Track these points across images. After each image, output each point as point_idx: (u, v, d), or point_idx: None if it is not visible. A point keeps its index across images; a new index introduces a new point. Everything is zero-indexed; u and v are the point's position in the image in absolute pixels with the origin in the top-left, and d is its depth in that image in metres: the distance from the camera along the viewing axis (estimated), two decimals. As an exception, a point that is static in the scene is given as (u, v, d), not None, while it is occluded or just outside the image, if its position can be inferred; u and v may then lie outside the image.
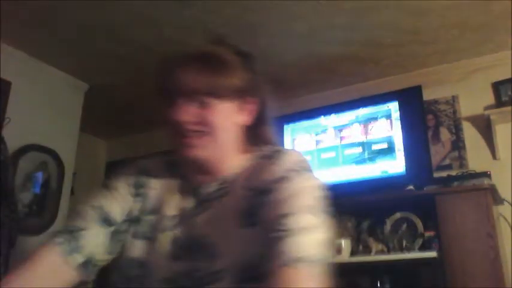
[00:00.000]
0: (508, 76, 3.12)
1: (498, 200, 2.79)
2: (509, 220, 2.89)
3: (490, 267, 2.41)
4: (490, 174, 2.80)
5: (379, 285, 2.87)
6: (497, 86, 3.17)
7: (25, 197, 3.16)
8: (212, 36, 1.12)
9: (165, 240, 1.02)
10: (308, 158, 3.34)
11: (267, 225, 0.90)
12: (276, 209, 0.91)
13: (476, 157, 3.13)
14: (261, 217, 0.94)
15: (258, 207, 0.97)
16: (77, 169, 3.68)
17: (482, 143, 3.15)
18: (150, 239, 1.04)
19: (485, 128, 3.13)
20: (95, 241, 1.01)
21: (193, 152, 0.99)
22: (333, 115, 3.37)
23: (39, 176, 3.26)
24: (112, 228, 1.04)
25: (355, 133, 3.24)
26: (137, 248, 1.04)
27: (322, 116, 3.41)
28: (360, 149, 3.19)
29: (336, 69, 3.47)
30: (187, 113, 0.98)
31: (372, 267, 2.93)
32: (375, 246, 2.86)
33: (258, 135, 1.14)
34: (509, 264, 2.67)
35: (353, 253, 2.91)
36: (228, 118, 1.03)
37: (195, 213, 1.04)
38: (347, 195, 3.00)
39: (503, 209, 2.89)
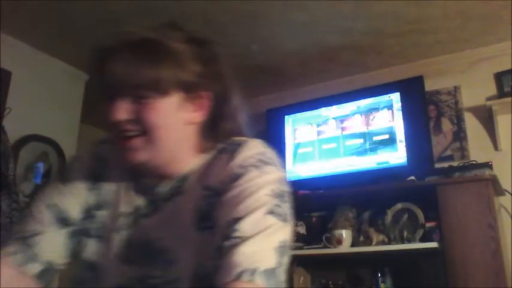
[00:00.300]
0: (510, 67, 3.10)
1: (499, 191, 2.79)
2: (510, 211, 2.89)
3: (491, 258, 2.42)
4: (491, 164, 2.80)
5: (379, 275, 2.88)
6: (499, 77, 3.16)
7: (26, 188, 3.16)
8: (163, 21, 0.96)
9: (118, 241, 0.93)
10: (309, 149, 3.38)
11: (219, 231, 0.81)
12: (229, 212, 0.81)
13: (478, 148, 3.13)
14: (216, 221, 0.85)
15: (213, 208, 0.87)
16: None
17: (483, 133, 3.15)
18: (102, 238, 0.95)
19: (487, 118, 3.12)
20: (52, 245, 0.92)
21: (132, 156, 0.87)
22: (334, 106, 3.37)
23: (40, 166, 3.25)
24: (70, 229, 0.95)
25: (357, 124, 3.24)
26: (89, 248, 0.95)
27: (324, 107, 3.40)
28: (361, 140, 3.18)
29: (337, 59, 3.46)
30: (121, 110, 0.85)
31: (373, 258, 2.94)
32: (376, 237, 2.86)
33: (218, 131, 0.97)
34: (510, 255, 2.67)
35: (354, 244, 2.91)
36: (170, 116, 0.88)
37: (147, 214, 0.94)
38: (348, 186, 3.00)
39: (504, 200, 2.89)
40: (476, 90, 3.23)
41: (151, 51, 0.85)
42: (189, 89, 0.89)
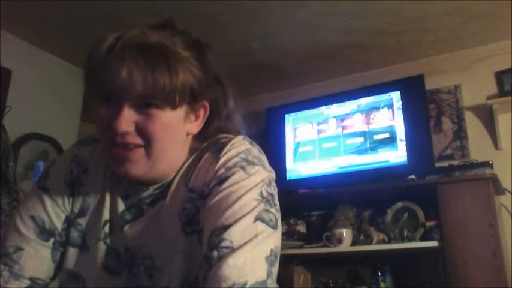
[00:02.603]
0: (511, 66, 3.10)
1: (500, 190, 2.79)
2: (511, 210, 2.89)
3: (491, 257, 2.41)
4: (492, 164, 2.79)
5: (380, 274, 2.88)
6: (499, 76, 3.16)
7: (26, 186, 3.15)
8: (160, 20, 0.89)
9: (99, 251, 0.90)
10: (310, 147, 3.38)
11: (206, 238, 0.77)
12: (216, 219, 0.77)
13: (479, 147, 3.13)
14: (201, 226, 0.82)
15: (198, 212, 0.84)
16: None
17: (484, 132, 3.14)
18: (85, 247, 0.92)
19: (488, 117, 3.12)
20: (37, 261, 0.89)
21: (128, 169, 0.82)
22: (334, 104, 3.36)
23: (40, 164, 3.25)
24: (52, 240, 0.91)
25: (357, 123, 3.23)
26: (72, 258, 0.92)
27: (324, 106, 3.40)
28: (361, 139, 3.18)
29: (337, 57, 3.45)
30: (127, 121, 0.79)
31: (373, 257, 2.93)
32: (376, 235, 2.86)
33: (208, 132, 0.94)
34: (510, 254, 2.67)
35: (354, 243, 2.91)
36: (176, 128, 0.84)
37: (131, 220, 0.90)
38: (348, 184, 3.00)
39: (504, 199, 2.89)
40: (476, 89, 3.23)
41: (165, 58, 0.79)
42: (195, 100, 0.85)
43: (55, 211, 0.92)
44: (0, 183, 2.70)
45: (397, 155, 3.02)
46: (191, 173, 0.88)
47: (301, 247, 3.02)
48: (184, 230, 0.85)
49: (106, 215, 0.91)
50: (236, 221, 0.75)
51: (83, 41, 3.23)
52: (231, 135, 0.91)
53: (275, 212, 0.81)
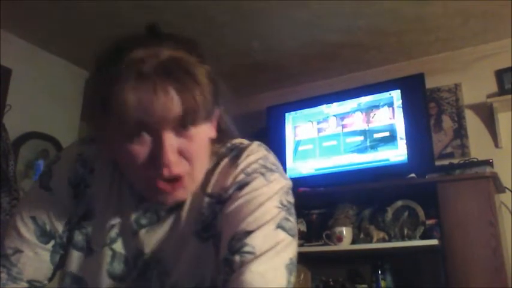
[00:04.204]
0: (511, 64, 3.10)
1: (500, 188, 2.79)
2: (511, 208, 2.89)
3: (491, 255, 2.41)
4: (492, 162, 2.79)
5: (380, 273, 2.88)
6: (500, 74, 3.15)
7: (26, 185, 3.16)
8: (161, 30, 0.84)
9: (105, 257, 0.87)
10: (310, 146, 3.38)
11: (225, 242, 0.76)
12: (237, 223, 0.77)
13: (479, 145, 3.13)
14: (219, 232, 0.81)
15: (216, 217, 0.84)
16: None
17: (484, 131, 3.14)
18: (90, 251, 0.89)
19: (488, 116, 3.12)
20: (36, 263, 0.88)
21: (172, 198, 0.80)
22: (334, 103, 3.36)
23: (40, 163, 3.25)
24: (52, 243, 0.89)
25: (357, 121, 3.23)
26: (74, 261, 0.89)
27: (324, 104, 3.39)
28: (361, 137, 3.17)
29: (338, 56, 3.45)
30: (171, 150, 0.74)
31: (373, 255, 2.93)
32: (376, 234, 2.86)
33: (220, 137, 0.90)
34: (510, 252, 2.68)
35: (354, 241, 2.91)
36: (206, 142, 0.83)
37: (144, 225, 0.88)
38: (349, 183, 3.00)
39: (504, 197, 2.89)
40: (476, 87, 3.23)
41: (189, 74, 0.74)
42: (215, 108, 0.83)
43: (57, 213, 0.89)
44: (0, 182, 2.70)
45: (397, 153, 3.01)
46: (209, 178, 0.87)
47: (302, 245, 3.02)
48: (201, 235, 0.85)
49: (114, 219, 0.88)
50: (258, 228, 0.75)
51: (83, 40, 3.25)
52: (246, 141, 0.91)
53: (294, 221, 0.81)
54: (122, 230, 0.88)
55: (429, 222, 2.75)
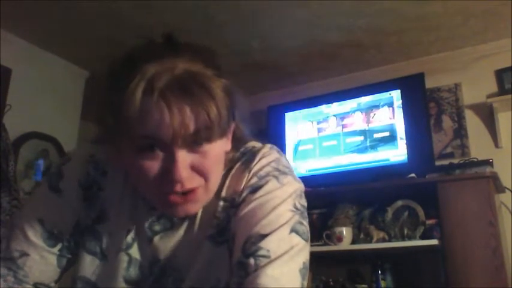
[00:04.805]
0: (511, 64, 3.10)
1: (500, 188, 2.79)
2: (511, 208, 2.89)
3: (491, 255, 2.41)
4: (492, 162, 2.79)
5: (380, 273, 2.88)
6: (500, 74, 3.15)
7: (26, 185, 3.16)
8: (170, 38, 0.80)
9: (120, 262, 0.86)
10: (310, 146, 3.38)
11: (239, 245, 0.76)
12: (251, 226, 0.77)
13: (479, 145, 3.13)
14: (233, 236, 0.80)
15: (230, 221, 0.83)
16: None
17: (484, 131, 3.14)
18: (102, 257, 0.88)
19: (488, 116, 3.12)
20: (42, 266, 0.86)
21: (186, 210, 0.79)
22: (334, 103, 3.36)
23: (41, 163, 3.25)
24: (59, 246, 0.88)
25: (357, 121, 3.23)
26: (86, 265, 0.88)
27: (324, 104, 3.40)
28: (361, 137, 3.18)
29: (338, 56, 3.45)
30: (184, 166, 0.73)
31: (373, 255, 2.94)
32: (376, 234, 2.86)
33: (235, 146, 0.89)
34: (510, 252, 2.68)
35: (354, 241, 2.91)
36: (222, 157, 0.82)
37: (158, 231, 0.87)
38: (349, 183, 3.00)
39: (504, 197, 2.89)
40: (476, 87, 3.23)
41: (205, 88, 0.73)
42: (229, 122, 0.81)
43: (66, 216, 0.88)
44: (0, 182, 2.70)
45: (397, 153, 3.02)
46: (223, 183, 0.86)
47: (302, 245, 3.01)
48: (215, 239, 0.84)
49: (129, 224, 0.87)
50: (273, 231, 0.75)
51: (83, 40, 3.25)
52: (258, 144, 0.91)
53: (307, 225, 0.81)
54: (137, 235, 0.87)
55: (429, 222, 2.75)
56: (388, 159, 3.04)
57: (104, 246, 0.88)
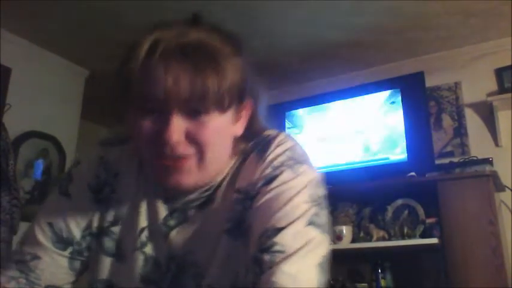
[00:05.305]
0: (511, 62, 3.09)
1: (500, 187, 2.79)
2: (511, 207, 2.89)
3: (491, 254, 2.41)
4: (492, 160, 2.80)
5: (380, 271, 2.88)
6: (500, 73, 3.15)
7: (26, 184, 3.16)
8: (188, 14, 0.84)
9: (137, 261, 0.85)
10: (310, 145, 3.37)
11: (254, 239, 0.74)
12: (265, 219, 0.74)
13: (479, 144, 3.13)
14: (248, 228, 0.78)
15: (246, 213, 0.80)
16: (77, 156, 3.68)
17: (484, 129, 3.14)
18: (118, 257, 0.87)
19: (488, 114, 3.12)
20: (53, 269, 0.86)
21: (181, 179, 0.77)
22: (334, 102, 3.36)
23: (40, 162, 3.26)
24: (70, 249, 0.87)
25: (357, 120, 3.23)
26: (104, 267, 0.87)
27: (324, 103, 3.39)
28: (361, 136, 3.17)
29: (338, 55, 3.45)
30: (178, 130, 0.73)
31: (373, 254, 2.93)
32: (376, 233, 2.86)
33: (249, 135, 0.88)
34: (510, 251, 2.68)
35: (354, 240, 2.91)
36: (225, 132, 0.80)
37: (175, 226, 0.85)
38: (349, 182, 3.00)
39: (504, 196, 2.89)
40: (476, 86, 3.23)
41: (210, 59, 0.73)
42: (241, 100, 0.80)
43: (75, 219, 0.88)
44: (0, 181, 2.70)
45: (397, 152, 3.01)
46: (238, 174, 0.85)
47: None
48: (233, 232, 0.82)
49: (143, 222, 0.86)
50: (288, 225, 0.72)
51: (82, 39, 3.25)
52: (273, 132, 0.88)
53: (324, 216, 0.79)
54: (152, 232, 0.86)
55: (429, 220, 2.75)
56: (388, 158, 3.04)
57: (120, 247, 0.88)
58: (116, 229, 0.88)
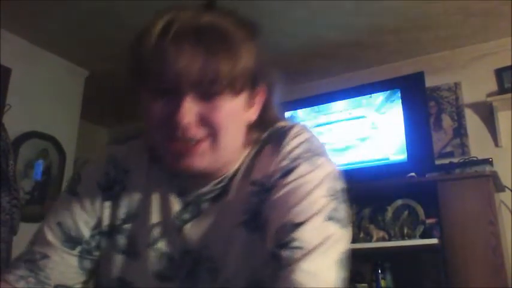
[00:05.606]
0: (511, 63, 3.09)
1: (500, 187, 2.79)
2: (511, 207, 2.89)
3: (491, 254, 2.41)
4: (491, 161, 2.79)
5: (380, 272, 2.88)
6: (499, 73, 3.15)
7: (26, 184, 3.17)
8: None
9: (151, 257, 0.84)
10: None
11: (271, 234, 0.73)
12: (283, 214, 0.72)
13: (478, 144, 3.13)
14: (265, 222, 0.76)
15: (262, 207, 0.78)
16: (78, 157, 3.68)
17: (484, 130, 3.14)
18: (131, 254, 0.86)
19: (488, 115, 3.12)
20: (63, 268, 0.86)
21: (193, 162, 0.75)
22: (334, 102, 3.35)
23: (40, 163, 3.26)
24: (79, 248, 0.86)
25: (357, 120, 3.23)
26: (117, 265, 0.86)
27: (323, 103, 3.39)
28: (361, 136, 3.17)
29: (337, 55, 3.45)
30: (190, 112, 0.72)
31: (373, 255, 2.93)
32: (376, 233, 2.86)
33: (265, 122, 0.87)
34: (510, 251, 2.68)
35: (354, 240, 2.91)
36: (238, 116, 0.78)
37: (187, 220, 0.84)
38: (348, 182, 2.99)
39: (504, 196, 2.89)
40: (476, 86, 3.23)
41: (223, 41, 0.73)
42: (254, 85, 0.79)
43: (83, 218, 0.87)
44: (0, 181, 2.70)
45: (397, 152, 3.01)
46: (253, 165, 0.83)
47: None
48: (248, 225, 0.80)
49: (155, 217, 0.85)
50: (306, 220, 0.71)
51: (82, 39, 3.25)
52: (288, 124, 0.86)
53: (343, 210, 0.77)
54: (165, 228, 0.85)
55: (429, 221, 2.75)
56: (388, 158, 3.04)
57: (133, 244, 0.86)
58: (128, 226, 0.87)
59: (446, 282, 2.52)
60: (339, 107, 3.32)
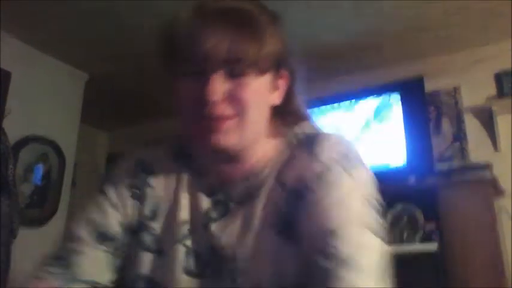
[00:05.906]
0: (511, 67, 3.09)
1: (499, 192, 2.79)
2: (510, 212, 2.88)
3: (490, 259, 2.42)
4: (491, 166, 2.79)
5: (379, 276, 2.88)
6: (499, 77, 3.15)
7: (26, 188, 3.17)
8: None
9: (178, 254, 0.85)
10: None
11: (307, 242, 0.73)
12: (320, 221, 0.72)
13: (478, 149, 3.12)
14: (299, 228, 0.76)
15: (295, 213, 0.78)
16: (78, 160, 3.68)
17: (483, 134, 3.14)
18: (158, 252, 0.87)
19: (487, 119, 3.12)
20: (95, 264, 0.86)
21: (222, 139, 0.78)
22: (332, 105, 3.36)
23: (40, 167, 3.26)
24: (110, 245, 0.88)
25: (356, 124, 3.23)
26: (144, 263, 0.87)
27: (322, 106, 3.39)
28: (360, 141, 3.17)
29: (336, 58, 3.44)
30: (218, 89, 0.76)
31: (373, 259, 2.93)
32: (376, 237, 2.86)
33: (287, 113, 0.89)
34: (510, 256, 2.67)
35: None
36: (263, 96, 0.82)
37: (215, 218, 0.85)
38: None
39: (504, 201, 2.89)
40: (476, 90, 3.23)
41: (251, 23, 0.78)
42: (276, 66, 0.83)
43: (113, 216, 0.89)
44: (0, 185, 2.70)
45: (397, 157, 3.01)
46: (285, 169, 0.83)
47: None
48: (279, 230, 0.79)
49: (184, 215, 0.87)
50: (343, 227, 0.71)
51: (82, 43, 3.25)
52: (321, 130, 0.89)
53: (379, 219, 0.76)
54: (194, 225, 0.86)
55: (429, 226, 2.75)
56: (387, 163, 3.04)
57: (160, 241, 0.87)
58: (155, 224, 0.88)
59: (445, 287, 2.51)
60: (338, 110, 3.32)
